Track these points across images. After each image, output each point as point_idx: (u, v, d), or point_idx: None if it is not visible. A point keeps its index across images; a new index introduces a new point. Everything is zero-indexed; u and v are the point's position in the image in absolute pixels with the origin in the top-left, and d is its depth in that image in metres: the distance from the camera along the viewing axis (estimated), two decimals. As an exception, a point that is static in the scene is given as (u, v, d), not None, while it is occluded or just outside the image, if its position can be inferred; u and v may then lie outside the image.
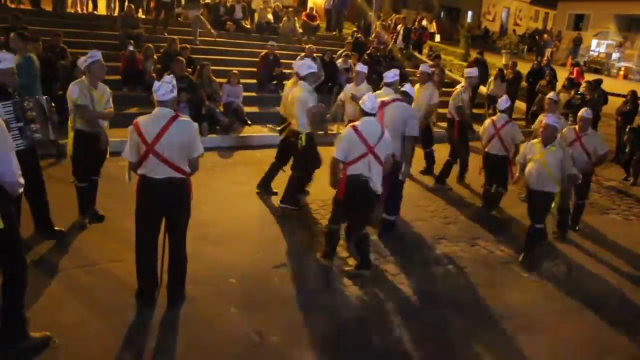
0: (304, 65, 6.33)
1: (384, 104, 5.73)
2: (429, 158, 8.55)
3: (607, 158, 7.04)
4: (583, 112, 6.57)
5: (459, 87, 8.25)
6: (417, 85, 7.68)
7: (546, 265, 5.83)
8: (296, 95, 6.18)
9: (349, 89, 7.59)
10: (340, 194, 4.92)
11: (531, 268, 5.65)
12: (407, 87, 6.10)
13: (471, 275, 5.41)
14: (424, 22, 19.92)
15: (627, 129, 10.21)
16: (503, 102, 6.98)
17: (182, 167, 4.02)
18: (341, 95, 7.85)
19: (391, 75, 6.36)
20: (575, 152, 6.23)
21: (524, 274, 5.57)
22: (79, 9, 13.73)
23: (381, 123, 5.25)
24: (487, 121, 7.04)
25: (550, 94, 7.69)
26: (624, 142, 10.34)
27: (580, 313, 4.92)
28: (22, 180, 3.28)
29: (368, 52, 13.57)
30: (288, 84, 6.99)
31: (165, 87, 3.97)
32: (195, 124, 4.14)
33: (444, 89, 12.42)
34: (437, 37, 21.82)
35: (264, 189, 6.86)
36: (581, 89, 11.08)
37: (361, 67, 7.86)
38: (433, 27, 25.12)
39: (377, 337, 4.22)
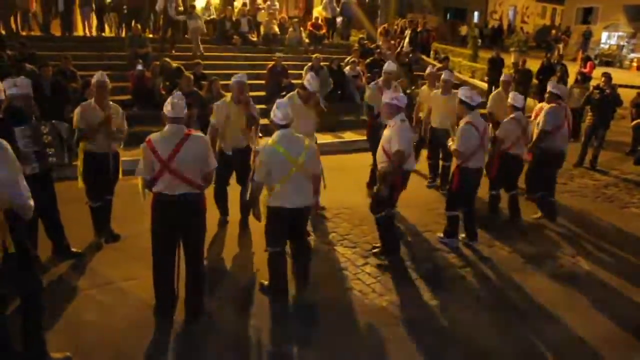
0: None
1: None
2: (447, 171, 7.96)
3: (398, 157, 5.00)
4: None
5: None
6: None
7: (565, 262, 5.74)
8: None
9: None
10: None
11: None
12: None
13: (481, 275, 5.36)
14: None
15: None
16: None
17: (197, 181, 4.04)
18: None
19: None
20: None
21: (537, 271, 5.48)
22: (87, 32, 13.95)
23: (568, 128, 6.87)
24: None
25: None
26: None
27: (600, 310, 4.80)
28: (31, 203, 3.25)
29: (368, 60, 13.50)
30: None
31: (179, 104, 3.98)
32: (208, 138, 4.17)
33: (453, 90, 12.31)
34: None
35: None
36: (601, 84, 10.13)
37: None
38: None
39: (393, 345, 4.16)
